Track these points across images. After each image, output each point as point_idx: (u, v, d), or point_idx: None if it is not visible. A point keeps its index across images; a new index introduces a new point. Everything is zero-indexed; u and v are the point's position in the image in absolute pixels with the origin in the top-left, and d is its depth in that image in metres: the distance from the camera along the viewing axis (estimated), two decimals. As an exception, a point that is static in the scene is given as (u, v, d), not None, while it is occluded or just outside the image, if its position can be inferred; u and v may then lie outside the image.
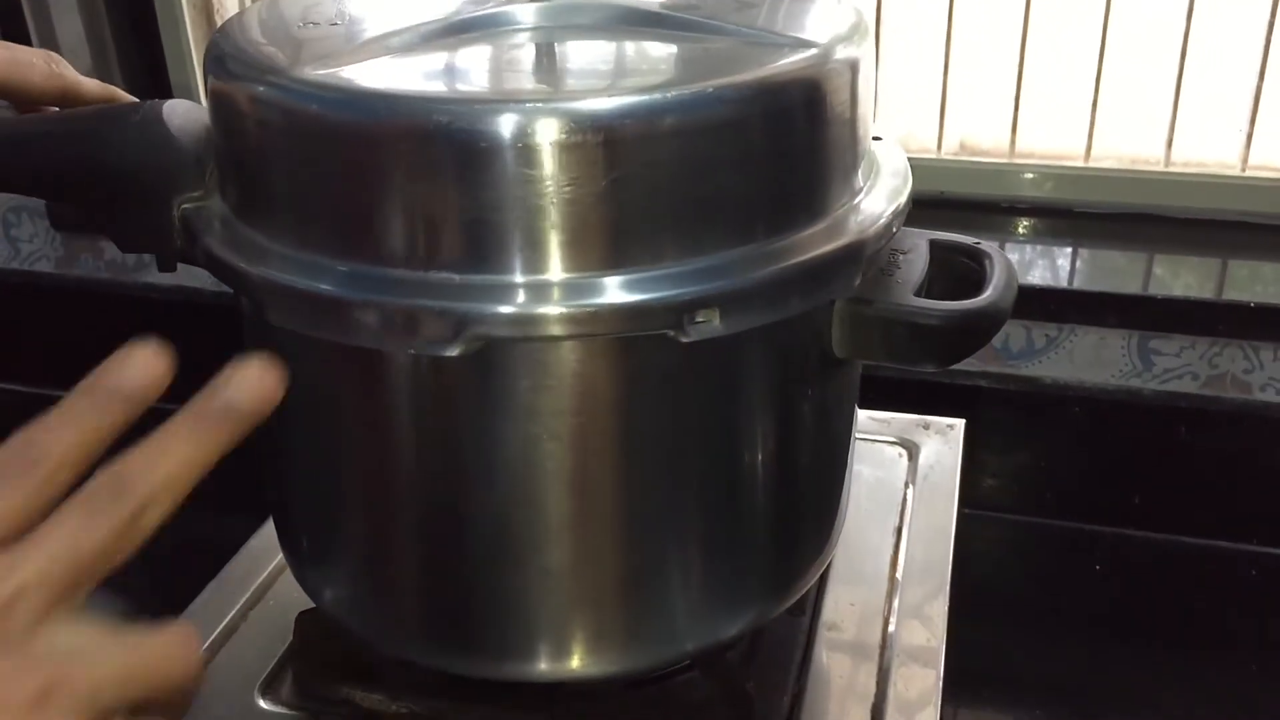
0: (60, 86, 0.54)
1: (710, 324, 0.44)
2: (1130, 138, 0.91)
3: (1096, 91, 0.91)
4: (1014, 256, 0.90)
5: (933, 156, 0.95)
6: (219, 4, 1.06)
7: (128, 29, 1.05)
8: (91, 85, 0.55)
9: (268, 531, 0.68)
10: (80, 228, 1.04)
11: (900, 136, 0.96)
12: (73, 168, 0.51)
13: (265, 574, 0.66)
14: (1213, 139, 0.90)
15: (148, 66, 1.05)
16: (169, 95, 1.01)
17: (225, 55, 0.48)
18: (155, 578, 0.87)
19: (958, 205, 0.94)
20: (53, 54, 0.54)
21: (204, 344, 0.92)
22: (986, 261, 0.54)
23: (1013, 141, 0.94)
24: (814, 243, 0.47)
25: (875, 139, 0.54)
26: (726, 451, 0.50)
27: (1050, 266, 0.89)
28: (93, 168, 0.50)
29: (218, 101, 0.48)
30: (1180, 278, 0.87)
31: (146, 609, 0.83)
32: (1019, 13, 0.90)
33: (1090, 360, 0.87)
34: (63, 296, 1.07)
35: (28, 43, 1.02)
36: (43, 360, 1.09)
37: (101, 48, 1.05)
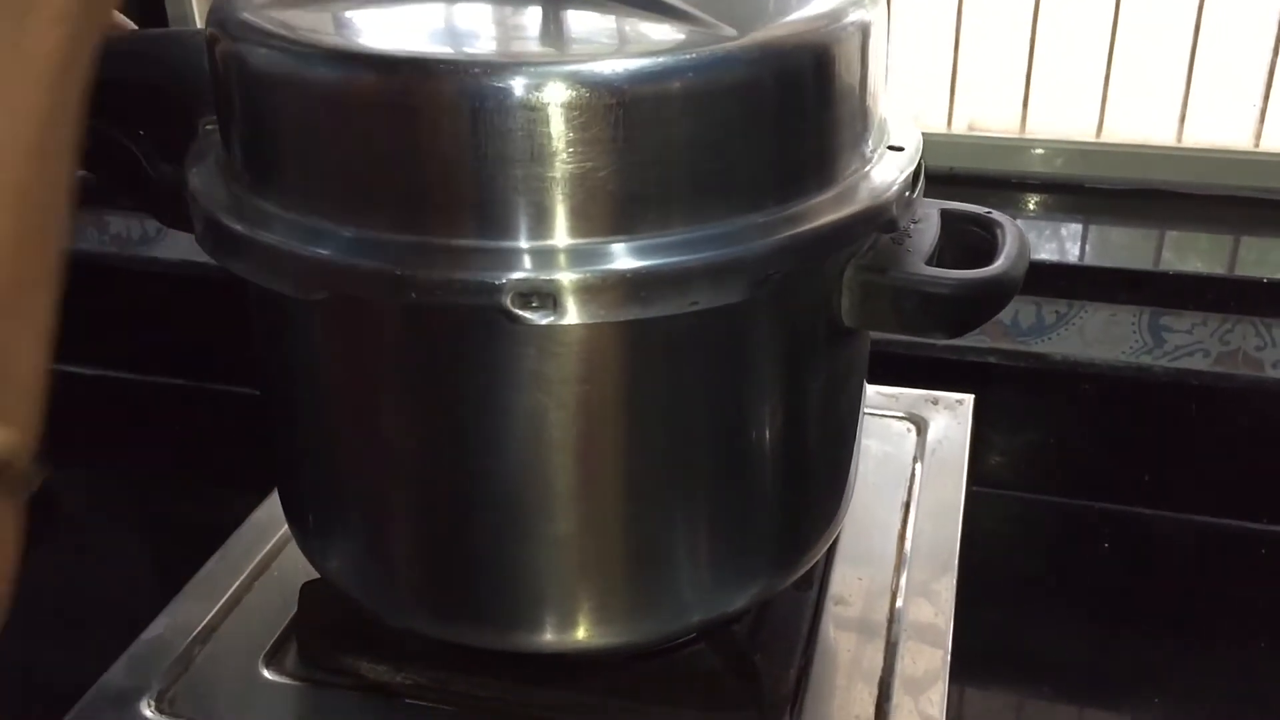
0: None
1: (717, 291, 0.44)
2: (1142, 114, 0.90)
3: (1109, 67, 0.90)
4: (1026, 229, 0.89)
5: (943, 132, 0.95)
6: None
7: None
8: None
9: (273, 503, 0.68)
10: (86, 201, 1.04)
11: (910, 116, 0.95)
12: (127, 78, 0.54)
13: (270, 545, 0.66)
14: (1225, 115, 0.90)
15: (145, 11, 1.04)
16: (165, 26, 1.00)
17: (226, 17, 0.48)
18: (160, 550, 0.88)
19: (967, 181, 0.94)
20: None
21: (208, 317, 0.92)
22: (998, 231, 0.53)
23: (1023, 120, 0.93)
24: (824, 210, 0.46)
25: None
26: (734, 421, 0.50)
27: (1060, 243, 0.89)
28: (142, 79, 0.54)
29: (221, 62, 0.48)
30: (1192, 254, 0.86)
31: (151, 581, 0.83)
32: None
33: (1101, 337, 0.86)
34: (68, 270, 1.07)
35: None
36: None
37: None
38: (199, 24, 1.00)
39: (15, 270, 0.25)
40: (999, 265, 0.50)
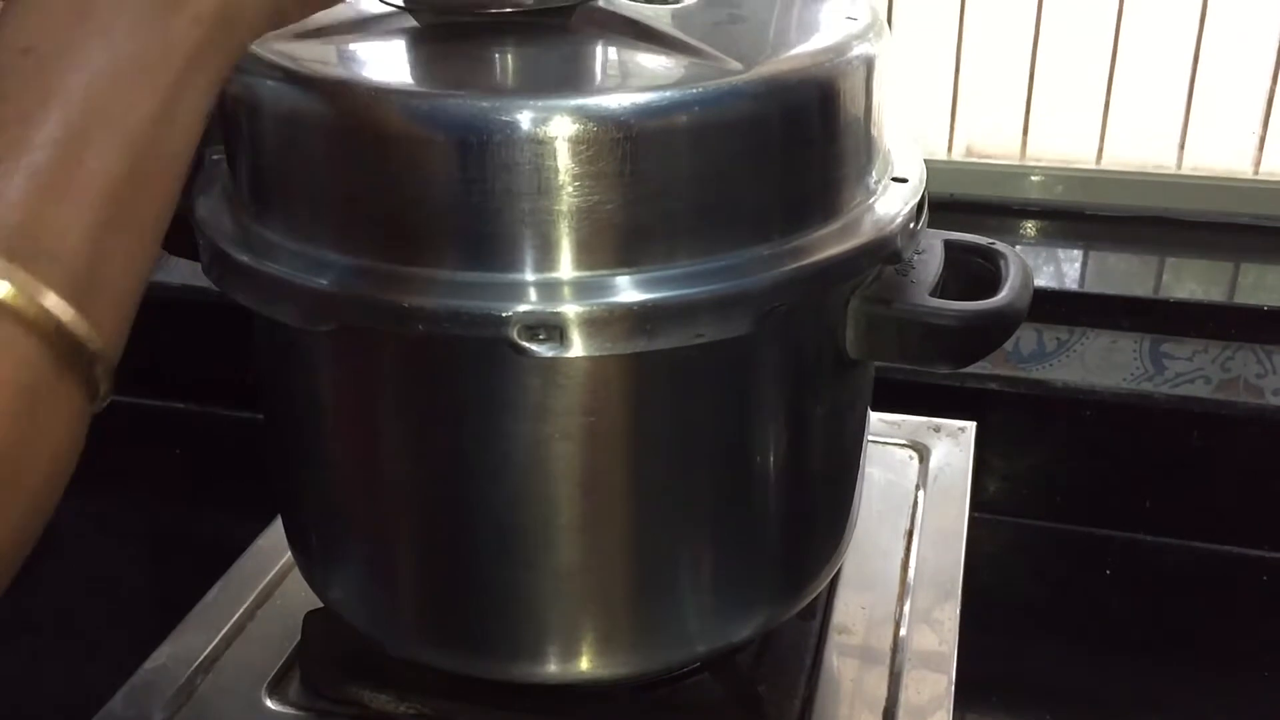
0: None
1: (722, 324, 0.44)
2: (1142, 142, 0.91)
3: (1108, 93, 0.90)
4: (1026, 256, 0.89)
5: (943, 158, 0.95)
6: None
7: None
8: None
9: (275, 530, 0.68)
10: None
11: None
12: None
13: (274, 572, 0.66)
14: (1225, 142, 0.90)
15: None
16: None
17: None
18: (161, 575, 0.87)
19: (968, 207, 0.94)
20: None
21: (210, 341, 0.92)
22: (1001, 262, 0.53)
23: (1023, 146, 0.94)
24: (829, 242, 0.46)
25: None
26: (738, 452, 0.50)
27: (1061, 269, 0.89)
28: None
29: (228, 93, 0.48)
30: (1192, 280, 0.86)
31: (153, 606, 0.83)
32: (1031, 17, 0.90)
33: (1102, 364, 0.86)
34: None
35: None
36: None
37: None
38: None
39: (128, 196, 0.32)
40: (1003, 297, 0.50)
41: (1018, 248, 0.91)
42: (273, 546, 0.68)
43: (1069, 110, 0.91)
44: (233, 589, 0.65)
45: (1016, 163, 0.94)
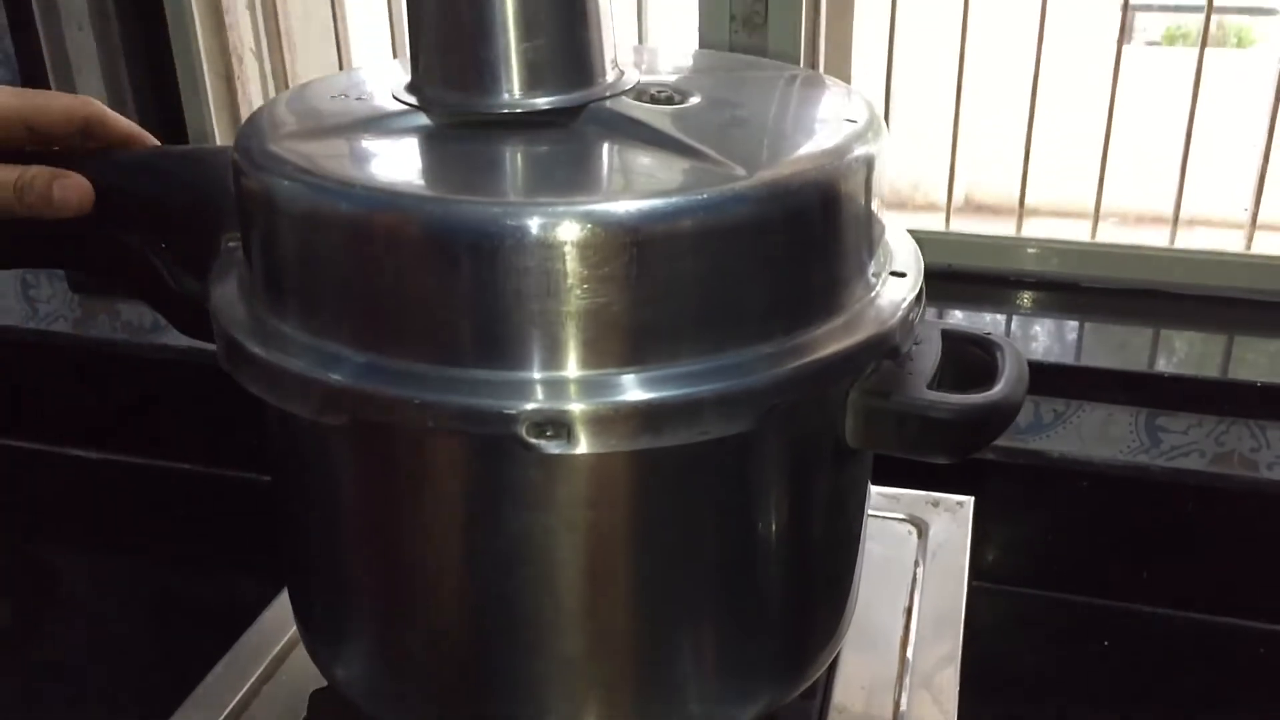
0: (84, 116, 0.58)
1: (726, 421, 0.45)
2: (1136, 224, 0.93)
3: (1102, 171, 0.92)
4: (1019, 330, 0.91)
5: (940, 230, 0.97)
6: (238, 64, 1.08)
7: (147, 80, 1.07)
8: (120, 123, 0.59)
9: (281, 604, 0.69)
10: (98, 290, 1.06)
11: (909, 190, 0.98)
12: (152, 193, 0.58)
13: (279, 647, 0.67)
14: (1217, 223, 0.92)
15: (166, 116, 1.06)
16: (186, 143, 1.03)
17: (253, 147, 0.49)
18: (167, 637, 0.88)
19: (965, 278, 0.95)
20: (81, 96, 0.59)
21: (217, 403, 0.93)
22: (998, 353, 0.54)
23: (1019, 221, 0.95)
24: (830, 339, 0.47)
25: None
26: (741, 541, 0.51)
27: (1057, 340, 0.90)
28: (166, 195, 0.57)
29: (246, 190, 0.49)
30: (1186, 354, 0.88)
31: (156, 668, 0.83)
32: (1027, 87, 0.92)
33: (1098, 436, 0.87)
34: (79, 356, 1.08)
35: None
36: (59, 418, 1.11)
37: (120, 98, 1.06)
38: (218, 140, 1.02)
39: None
40: (998, 391, 0.51)
41: (1014, 318, 0.93)
42: (278, 620, 0.68)
43: (1065, 188, 0.93)
44: (238, 665, 0.65)
45: (1013, 236, 0.95)
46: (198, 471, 1.05)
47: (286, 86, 1.08)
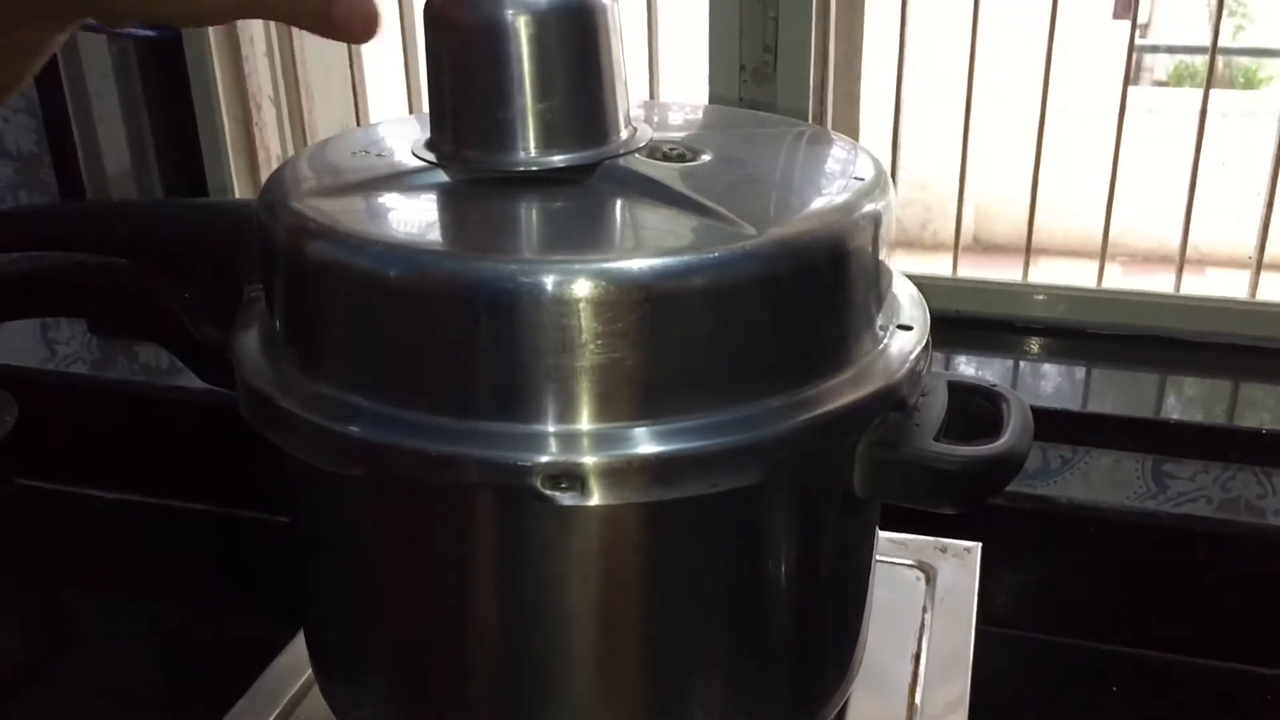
0: None
1: (736, 473, 0.46)
2: (1145, 270, 0.93)
3: (1108, 216, 0.93)
4: (1027, 375, 0.92)
5: (947, 275, 0.98)
6: (256, 111, 1.09)
7: (167, 127, 1.09)
8: None
9: (296, 647, 0.69)
10: (116, 332, 1.07)
11: (917, 230, 0.99)
12: (177, 243, 0.59)
13: (295, 690, 0.67)
14: (1227, 262, 0.93)
15: (185, 161, 1.08)
16: (205, 188, 1.05)
17: (276, 202, 0.51)
18: (184, 679, 0.89)
19: (972, 324, 0.96)
20: None
21: (234, 447, 0.94)
22: (1003, 404, 0.55)
23: (1025, 268, 0.96)
24: (839, 392, 0.49)
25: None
26: (751, 590, 0.52)
27: (1064, 386, 0.91)
28: (189, 247, 0.59)
29: (269, 244, 0.51)
30: (1192, 400, 0.88)
31: (169, 710, 0.84)
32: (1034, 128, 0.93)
33: (1105, 482, 0.88)
34: (97, 398, 1.10)
35: (72, 144, 1.05)
36: (77, 459, 1.12)
37: (141, 144, 1.08)
38: (236, 185, 1.04)
39: None
40: (1004, 442, 0.52)
41: (1021, 364, 0.94)
42: (294, 663, 0.69)
43: (1072, 240, 0.94)
44: (254, 708, 0.66)
45: (1020, 282, 0.96)
46: (214, 512, 1.06)
47: (304, 133, 1.10)
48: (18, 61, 0.39)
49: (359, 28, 0.42)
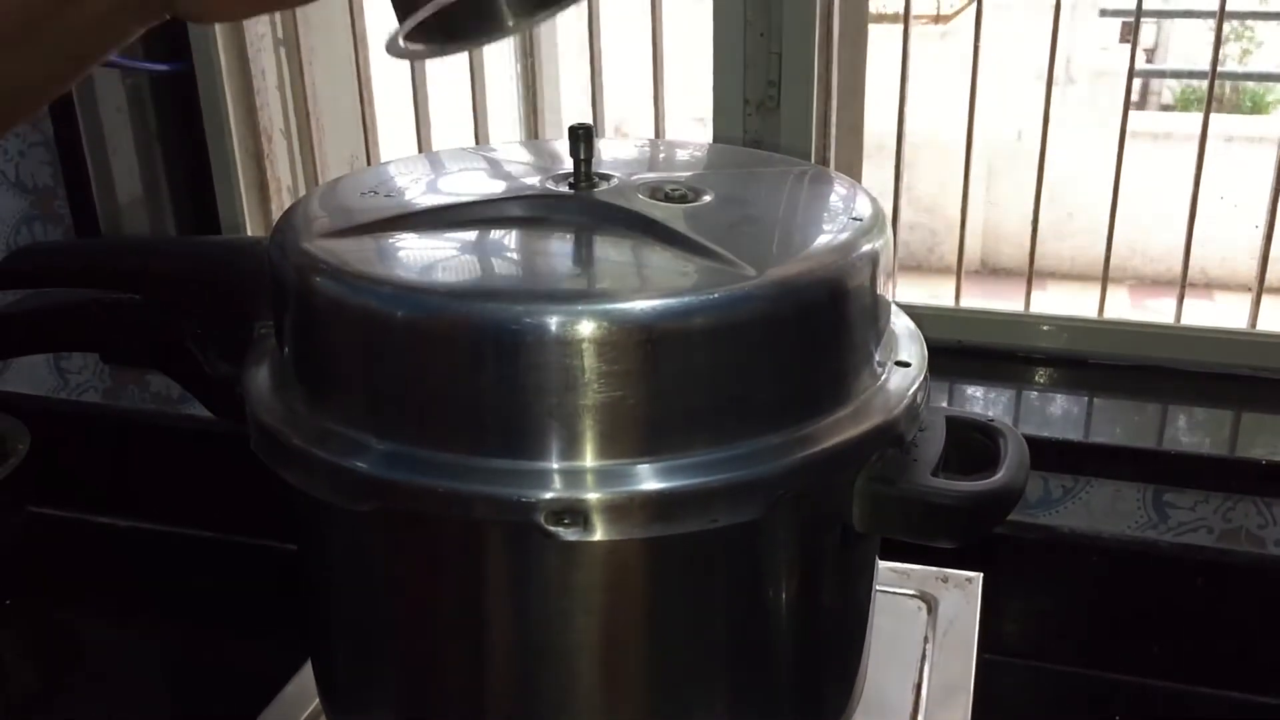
0: None
1: (736, 509, 0.47)
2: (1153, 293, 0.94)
3: (1108, 253, 0.94)
4: (1029, 405, 0.92)
5: (950, 306, 0.99)
6: (267, 143, 1.11)
7: (180, 160, 1.10)
8: None
9: (304, 677, 0.70)
10: (128, 362, 1.09)
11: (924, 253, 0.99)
12: (191, 280, 0.61)
13: (303, 719, 0.68)
14: (1235, 286, 0.93)
15: (197, 193, 1.10)
16: (218, 231, 1.06)
17: (287, 242, 0.52)
18: (192, 705, 0.89)
19: (975, 354, 0.97)
20: None
21: (243, 475, 0.95)
22: (1000, 439, 0.56)
23: (1027, 298, 0.97)
24: (838, 429, 0.49)
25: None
26: (752, 622, 0.52)
27: (1066, 416, 0.92)
28: (201, 283, 0.60)
29: (280, 283, 0.52)
30: (1193, 430, 0.89)
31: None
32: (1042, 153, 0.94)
33: (1107, 511, 0.88)
34: (109, 427, 1.11)
35: (86, 178, 1.07)
36: (88, 487, 1.13)
37: (154, 176, 1.10)
38: (247, 216, 1.06)
39: None
40: (1000, 478, 0.53)
41: (1023, 393, 0.95)
42: (302, 692, 0.70)
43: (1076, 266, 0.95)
44: (263, 736, 0.67)
45: (1022, 312, 0.97)
46: (224, 540, 1.07)
47: (314, 165, 1.11)
48: (79, 57, 0.41)
49: None
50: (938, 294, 1.00)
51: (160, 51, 1.06)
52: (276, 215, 0.96)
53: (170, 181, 1.11)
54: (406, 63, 1.06)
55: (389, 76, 1.11)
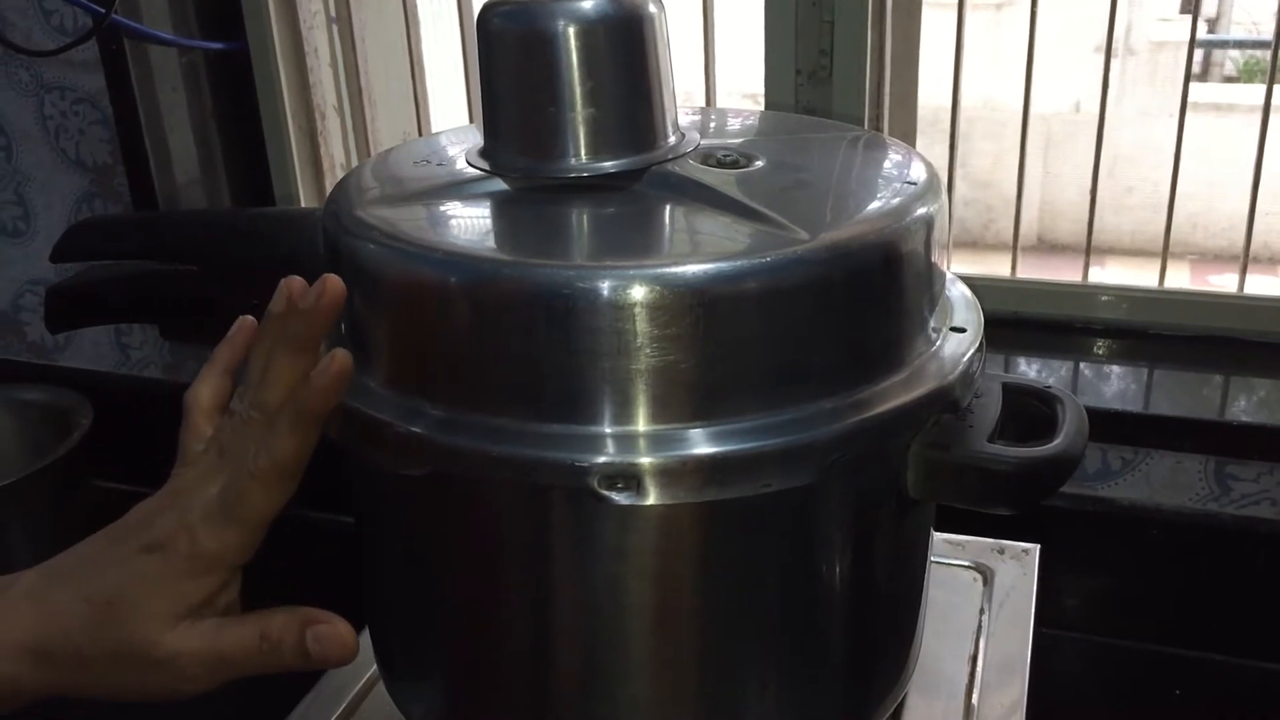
0: None
1: (789, 474, 0.47)
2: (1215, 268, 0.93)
3: (1168, 225, 0.92)
4: (1087, 377, 0.91)
5: (1006, 277, 0.97)
6: (320, 120, 1.12)
7: (235, 137, 1.12)
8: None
9: (363, 642, 0.71)
10: (188, 337, 1.10)
11: (980, 229, 0.98)
12: (246, 252, 0.62)
13: (360, 685, 0.69)
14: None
15: (253, 170, 1.11)
16: (273, 204, 1.07)
17: (341, 211, 0.52)
18: (252, 684, 0.91)
19: (1032, 325, 0.96)
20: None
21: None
22: (1058, 406, 0.55)
23: (1085, 269, 0.96)
24: (891, 394, 0.49)
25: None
26: (804, 590, 0.52)
27: (1125, 388, 0.90)
28: (256, 256, 0.61)
29: (334, 251, 0.52)
30: (1255, 402, 0.87)
31: (242, 712, 0.86)
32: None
33: (1167, 484, 0.87)
34: (170, 401, 1.12)
35: (144, 155, 1.08)
36: (150, 461, 1.15)
37: (210, 153, 1.11)
38: (302, 191, 1.07)
39: None
40: (1058, 444, 0.52)
41: (1082, 365, 0.93)
42: (359, 660, 0.70)
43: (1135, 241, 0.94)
44: (319, 704, 0.68)
45: (1080, 283, 0.96)
46: (283, 512, 1.08)
47: (367, 142, 1.12)
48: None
49: (336, 656, 0.49)
50: (993, 270, 0.99)
51: (215, 30, 1.07)
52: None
53: (226, 159, 1.12)
54: (458, 39, 1.06)
55: (441, 53, 1.12)
